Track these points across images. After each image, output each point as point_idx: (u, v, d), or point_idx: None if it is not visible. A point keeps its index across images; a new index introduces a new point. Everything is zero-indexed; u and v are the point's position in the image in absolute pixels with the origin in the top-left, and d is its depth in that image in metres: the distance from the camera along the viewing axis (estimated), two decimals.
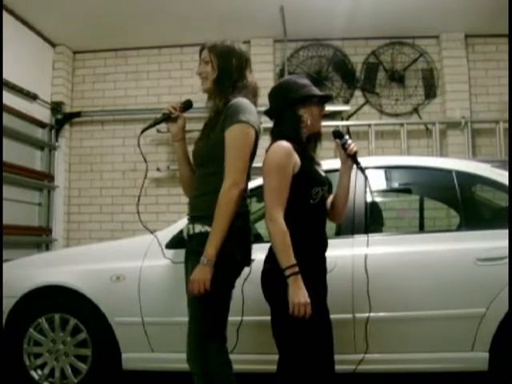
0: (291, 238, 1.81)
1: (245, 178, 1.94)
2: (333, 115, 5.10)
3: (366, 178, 2.13)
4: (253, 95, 2.04)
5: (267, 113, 2.07)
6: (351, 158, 2.03)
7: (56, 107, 5.27)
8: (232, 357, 1.98)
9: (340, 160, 2.07)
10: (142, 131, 2.13)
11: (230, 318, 2.02)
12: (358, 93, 5.29)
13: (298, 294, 1.77)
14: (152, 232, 2.35)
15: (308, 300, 1.77)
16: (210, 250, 1.84)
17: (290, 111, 1.97)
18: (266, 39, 5.21)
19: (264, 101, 2.12)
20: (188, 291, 1.95)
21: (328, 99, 2.08)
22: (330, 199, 2.11)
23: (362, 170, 2.06)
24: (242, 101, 1.95)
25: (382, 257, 2.57)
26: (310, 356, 1.85)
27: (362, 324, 2.51)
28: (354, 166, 2.07)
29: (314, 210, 1.93)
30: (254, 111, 1.97)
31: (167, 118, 2.11)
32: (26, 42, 4.88)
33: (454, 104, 5.04)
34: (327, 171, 2.14)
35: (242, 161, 1.91)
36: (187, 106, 2.14)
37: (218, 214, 1.86)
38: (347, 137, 2.05)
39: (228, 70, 2.01)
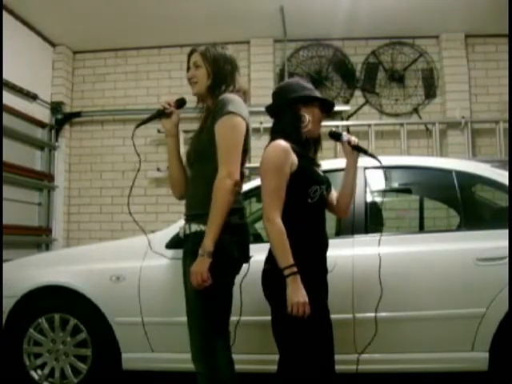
0: (290, 238, 1.81)
1: (238, 168, 1.93)
2: (333, 115, 5.09)
3: (379, 162, 2.12)
4: (242, 94, 2.06)
5: (268, 109, 2.08)
6: (357, 149, 2.05)
7: (56, 107, 5.27)
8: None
9: (345, 155, 2.08)
10: (137, 126, 2.15)
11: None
12: (358, 93, 5.29)
13: (297, 294, 1.77)
14: (138, 223, 2.30)
15: (307, 299, 1.77)
16: (208, 241, 1.84)
17: (290, 110, 1.97)
18: (266, 39, 5.20)
19: (261, 101, 2.11)
20: (187, 290, 1.96)
21: (330, 107, 2.09)
22: (335, 194, 2.13)
23: (373, 155, 2.10)
24: (229, 95, 1.98)
25: (382, 257, 2.56)
26: (310, 356, 1.85)
27: (363, 324, 2.52)
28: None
29: (312, 209, 1.94)
30: (242, 104, 1.99)
31: (161, 113, 2.13)
32: (25, 42, 4.88)
33: (454, 104, 5.04)
34: (327, 171, 2.14)
35: (235, 151, 1.91)
36: (181, 103, 2.17)
37: (214, 205, 1.86)
38: (344, 133, 2.08)
39: (222, 77, 2.04)
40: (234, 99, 1.96)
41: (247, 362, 2.58)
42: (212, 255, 1.84)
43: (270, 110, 2.08)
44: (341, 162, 2.27)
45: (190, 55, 2.12)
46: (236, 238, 1.95)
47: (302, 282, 1.79)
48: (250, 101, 2.13)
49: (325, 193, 2.01)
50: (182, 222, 2.08)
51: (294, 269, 1.78)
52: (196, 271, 1.84)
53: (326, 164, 2.24)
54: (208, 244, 1.84)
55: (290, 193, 1.87)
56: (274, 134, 2.00)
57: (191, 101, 2.20)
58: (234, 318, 2.11)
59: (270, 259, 1.89)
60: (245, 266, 2.05)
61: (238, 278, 2.04)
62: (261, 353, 2.59)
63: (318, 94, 2.03)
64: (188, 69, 2.12)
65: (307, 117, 1.97)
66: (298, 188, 1.89)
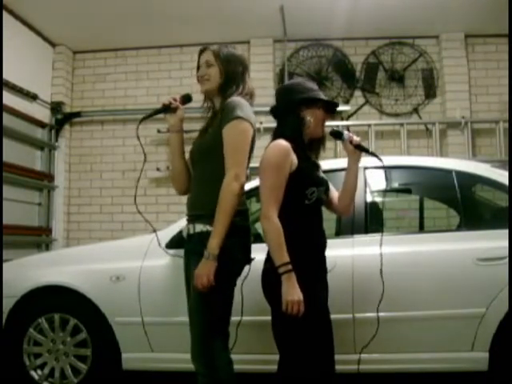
0: (287, 238, 1.81)
1: (245, 172, 1.95)
2: (333, 115, 5.09)
3: (380, 160, 2.12)
4: (249, 97, 2.08)
5: (272, 111, 2.09)
6: (359, 148, 2.05)
7: (56, 107, 5.27)
8: (232, 356, 1.99)
9: (347, 153, 2.08)
10: (142, 120, 2.13)
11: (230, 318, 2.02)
12: (358, 93, 5.29)
13: (291, 292, 1.77)
14: (149, 222, 2.29)
15: (301, 298, 1.77)
16: (214, 243, 1.85)
17: (293, 112, 1.98)
18: (266, 39, 5.21)
19: (261, 101, 2.12)
20: (190, 290, 1.97)
21: (334, 107, 2.09)
22: (336, 193, 2.13)
23: (374, 154, 2.10)
24: (238, 99, 1.99)
25: (382, 257, 2.56)
26: (310, 356, 1.85)
27: (362, 324, 2.52)
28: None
29: (309, 210, 1.94)
30: (250, 108, 2.01)
31: (167, 108, 2.14)
32: (25, 42, 4.88)
33: (454, 104, 5.04)
34: (328, 171, 2.14)
35: (242, 155, 1.93)
36: (187, 99, 2.18)
37: (221, 207, 1.86)
38: (346, 131, 2.09)
39: (234, 77, 2.05)
40: (241, 103, 1.97)
41: (247, 362, 2.58)
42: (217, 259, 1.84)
43: (273, 112, 2.09)
44: (341, 162, 2.27)
45: (200, 53, 2.12)
46: (239, 239, 1.95)
47: (300, 282, 1.79)
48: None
49: (323, 195, 2.01)
50: (182, 222, 2.08)
51: (289, 267, 1.79)
52: (202, 274, 1.84)
53: (326, 164, 2.24)
54: (214, 247, 1.84)
55: (288, 193, 1.88)
56: (276, 135, 2.00)
57: (194, 100, 2.20)
58: (235, 318, 2.11)
59: (270, 259, 1.89)
60: (246, 266, 2.05)
61: (238, 279, 2.04)
62: (261, 353, 2.59)
63: (321, 94, 2.03)
64: (198, 67, 2.12)
65: (309, 119, 1.97)
66: (296, 189, 1.90)
